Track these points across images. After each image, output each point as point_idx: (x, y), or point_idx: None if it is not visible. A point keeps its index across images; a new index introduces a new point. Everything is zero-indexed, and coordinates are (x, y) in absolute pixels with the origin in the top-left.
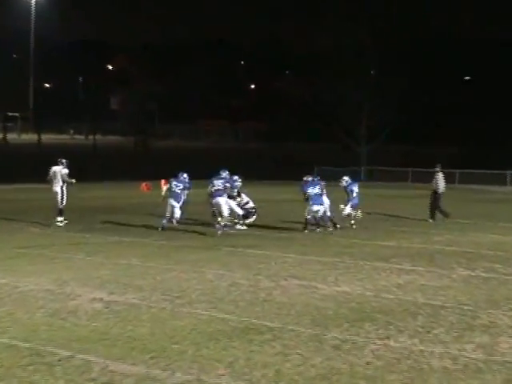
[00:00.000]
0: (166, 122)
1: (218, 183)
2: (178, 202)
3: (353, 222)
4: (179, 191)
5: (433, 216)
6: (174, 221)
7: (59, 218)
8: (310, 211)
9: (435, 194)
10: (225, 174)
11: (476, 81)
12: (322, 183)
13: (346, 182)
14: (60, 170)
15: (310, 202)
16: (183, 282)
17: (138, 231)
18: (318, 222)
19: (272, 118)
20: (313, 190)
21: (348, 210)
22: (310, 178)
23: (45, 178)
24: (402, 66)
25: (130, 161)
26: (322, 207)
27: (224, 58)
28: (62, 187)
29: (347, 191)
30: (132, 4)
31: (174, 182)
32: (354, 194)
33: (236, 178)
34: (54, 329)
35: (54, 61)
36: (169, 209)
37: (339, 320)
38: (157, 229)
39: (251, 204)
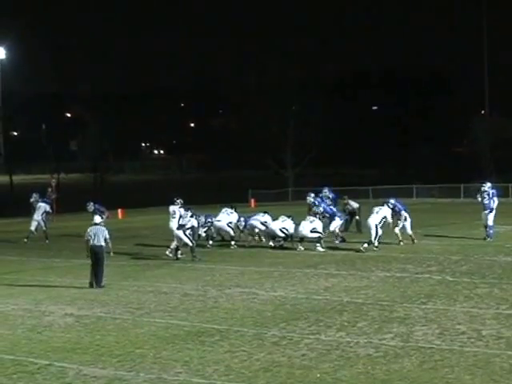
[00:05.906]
0: (119, 159)
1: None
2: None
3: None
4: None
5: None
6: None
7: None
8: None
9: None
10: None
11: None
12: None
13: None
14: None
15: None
16: (142, 296)
17: None
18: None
19: (209, 150)
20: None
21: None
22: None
23: (18, 213)
24: (316, 101)
25: (89, 194)
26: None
27: (166, 101)
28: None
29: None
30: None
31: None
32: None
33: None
34: (33, 342)
35: (20, 112)
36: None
37: (277, 320)
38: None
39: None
